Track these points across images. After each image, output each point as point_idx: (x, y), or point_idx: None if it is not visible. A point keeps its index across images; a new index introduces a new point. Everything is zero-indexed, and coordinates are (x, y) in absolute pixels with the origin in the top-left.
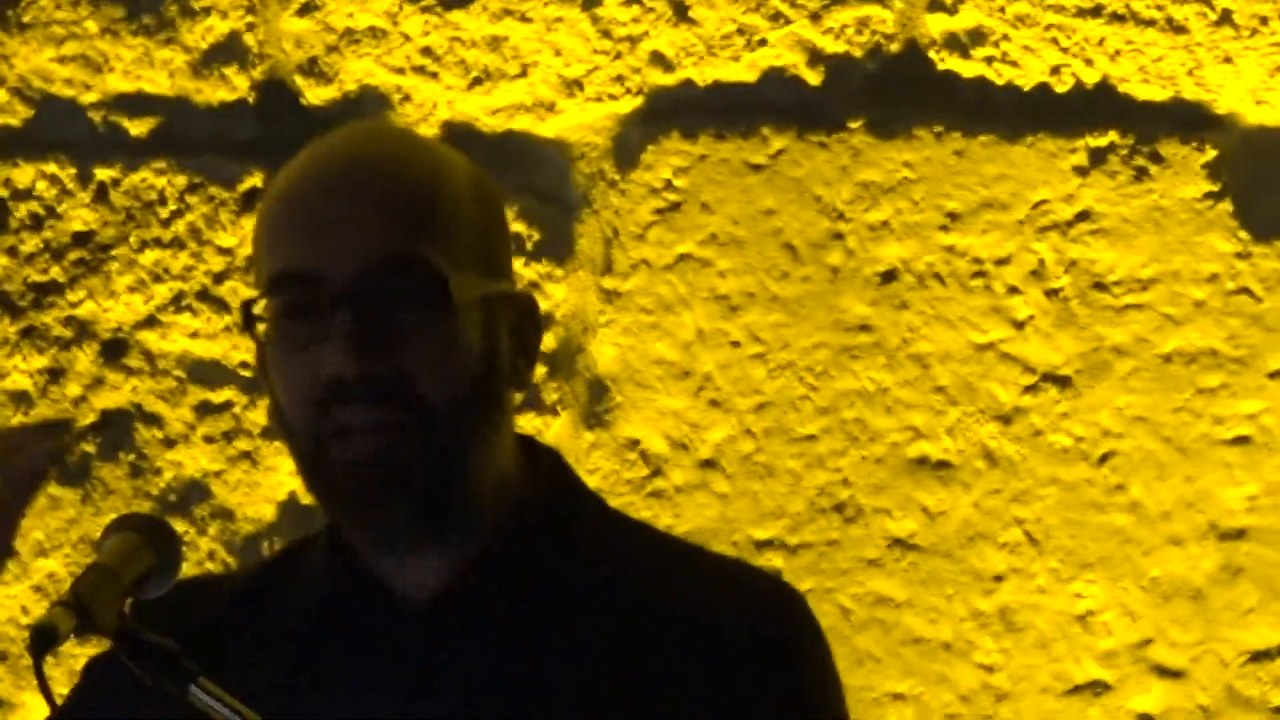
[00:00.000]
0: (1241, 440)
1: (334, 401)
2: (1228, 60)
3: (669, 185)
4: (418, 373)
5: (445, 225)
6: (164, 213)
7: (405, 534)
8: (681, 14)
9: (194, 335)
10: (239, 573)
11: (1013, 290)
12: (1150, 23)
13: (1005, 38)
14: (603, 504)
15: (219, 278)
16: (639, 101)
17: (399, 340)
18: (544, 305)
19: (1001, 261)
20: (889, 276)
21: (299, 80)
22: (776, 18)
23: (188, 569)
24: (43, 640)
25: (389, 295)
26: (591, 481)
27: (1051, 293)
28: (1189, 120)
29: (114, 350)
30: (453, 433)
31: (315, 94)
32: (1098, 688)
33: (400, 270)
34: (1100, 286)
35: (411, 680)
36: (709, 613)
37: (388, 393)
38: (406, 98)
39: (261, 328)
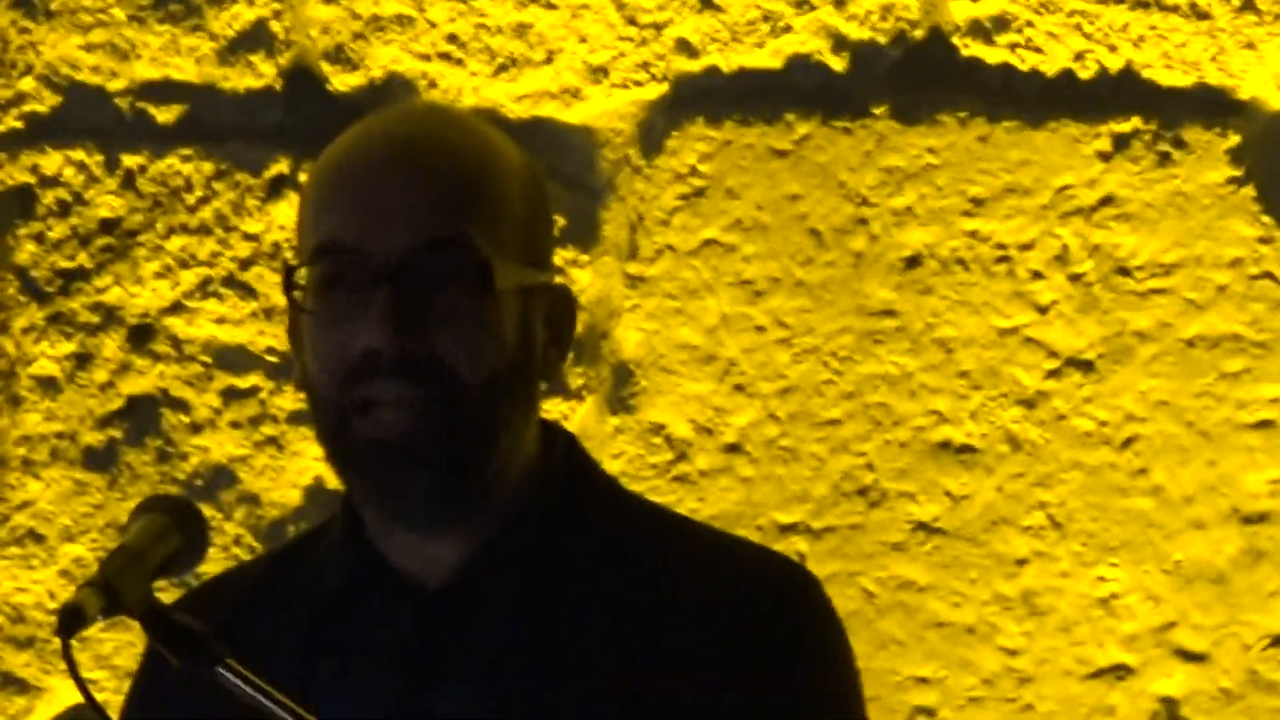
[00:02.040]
0: (1264, 424)
1: (365, 374)
2: (1251, 46)
3: (694, 171)
4: (451, 353)
5: (491, 211)
6: (191, 199)
7: (422, 511)
8: (706, 1)
9: (220, 321)
10: (256, 561)
11: (1036, 275)
12: (1174, 9)
13: (1029, 24)
14: (617, 486)
15: (245, 264)
16: (664, 88)
17: (436, 320)
18: None
19: (1025, 247)
20: (913, 262)
21: (325, 67)
22: (801, 4)
23: (213, 554)
24: (71, 621)
25: (430, 275)
26: (616, 466)
27: (1075, 278)
28: (1212, 106)
29: (141, 336)
30: (479, 416)
31: (342, 81)
32: (1120, 671)
33: (444, 251)
34: (1123, 271)
35: (426, 664)
36: (724, 596)
37: (419, 370)
38: (432, 84)
39: (299, 296)
